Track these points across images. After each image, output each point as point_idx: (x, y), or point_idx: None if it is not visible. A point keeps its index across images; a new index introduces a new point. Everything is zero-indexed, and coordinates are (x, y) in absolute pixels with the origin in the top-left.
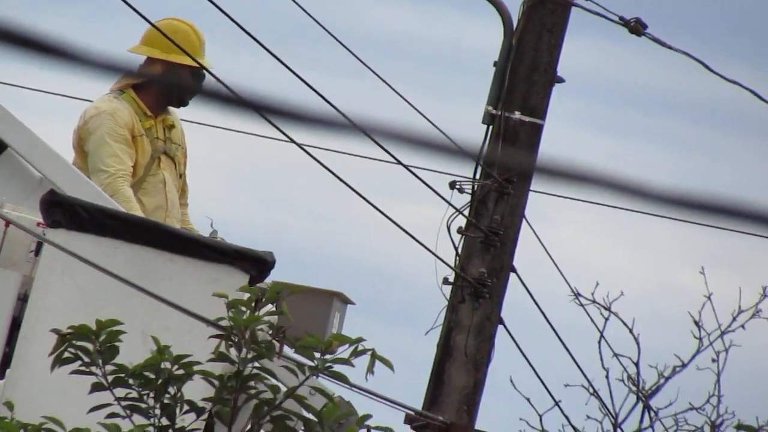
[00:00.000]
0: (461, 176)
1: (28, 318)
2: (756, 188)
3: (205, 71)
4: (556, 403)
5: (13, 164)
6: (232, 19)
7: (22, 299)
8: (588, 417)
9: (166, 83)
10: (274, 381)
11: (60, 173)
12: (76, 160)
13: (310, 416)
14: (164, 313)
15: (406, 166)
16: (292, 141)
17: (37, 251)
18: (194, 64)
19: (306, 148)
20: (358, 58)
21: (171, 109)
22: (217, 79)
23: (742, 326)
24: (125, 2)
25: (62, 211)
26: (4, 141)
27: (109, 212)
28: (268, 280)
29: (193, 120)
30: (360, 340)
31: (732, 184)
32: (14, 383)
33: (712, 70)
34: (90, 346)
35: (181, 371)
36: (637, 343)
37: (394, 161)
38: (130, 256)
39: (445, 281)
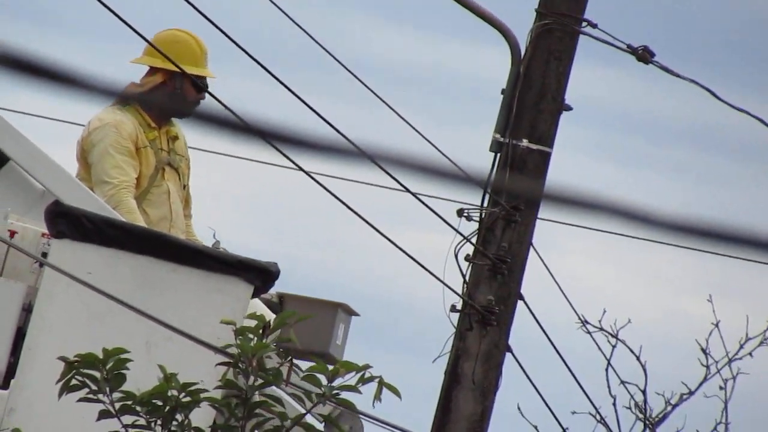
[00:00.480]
0: (469, 204)
1: (33, 328)
2: (764, 216)
3: (206, 81)
4: (564, 430)
5: (15, 176)
6: (240, 46)
7: (27, 310)
8: None
9: (147, 103)
10: (281, 408)
11: (62, 185)
12: (79, 172)
13: None
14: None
15: (413, 194)
16: (300, 168)
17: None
18: (196, 73)
19: (313, 175)
20: (365, 85)
21: (174, 120)
22: (224, 105)
23: (750, 354)
24: (122, 20)
25: (67, 221)
26: (6, 153)
27: (113, 223)
28: (273, 290)
29: (201, 147)
30: (367, 367)
31: (740, 212)
32: (18, 393)
33: (719, 98)
34: (97, 374)
35: (188, 398)
36: (644, 371)
37: (402, 188)
38: (134, 266)
39: (453, 309)
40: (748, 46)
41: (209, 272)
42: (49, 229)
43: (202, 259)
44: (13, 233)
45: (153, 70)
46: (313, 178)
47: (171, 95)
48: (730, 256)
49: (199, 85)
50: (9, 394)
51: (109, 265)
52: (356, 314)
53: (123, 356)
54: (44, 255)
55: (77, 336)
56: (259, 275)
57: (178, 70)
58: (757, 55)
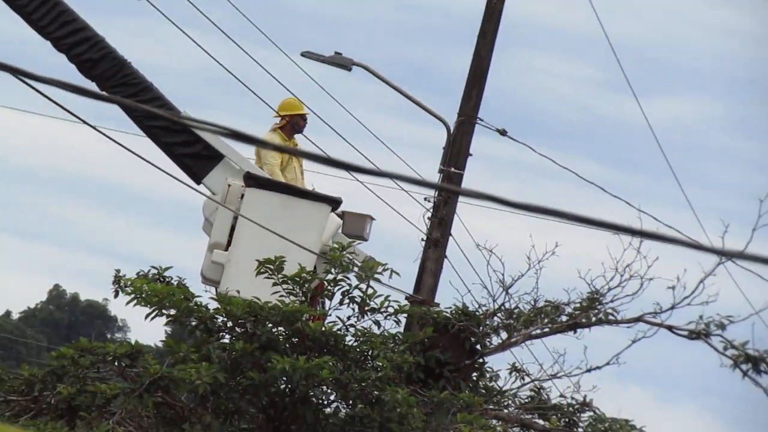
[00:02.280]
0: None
1: (239, 226)
2: None
3: (306, 116)
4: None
5: (228, 164)
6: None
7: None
8: None
9: (283, 129)
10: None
11: (248, 165)
12: (256, 160)
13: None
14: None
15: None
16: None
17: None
18: (299, 113)
19: None
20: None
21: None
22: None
23: None
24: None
25: (250, 179)
26: (222, 152)
27: (268, 180)
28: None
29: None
30: (385, 264)
31: None
32: (228, 257)
33: None
34: (271, 266)
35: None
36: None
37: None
38: (277, 198)
39: (423, 240)
40: None
41: (310, 201)
42: (245, 182)
43: (307, 195)
44: (229, 186)
45: (282, 118)
46: None
47: (291, 123)
48: None
49: (302, 118)
50: (227, 255)
51: (266, 198)
52: (375, 219)
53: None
54: (242, 195)
55: (254, 231)
56: (332, 202)
57: (295, 113)
58: None
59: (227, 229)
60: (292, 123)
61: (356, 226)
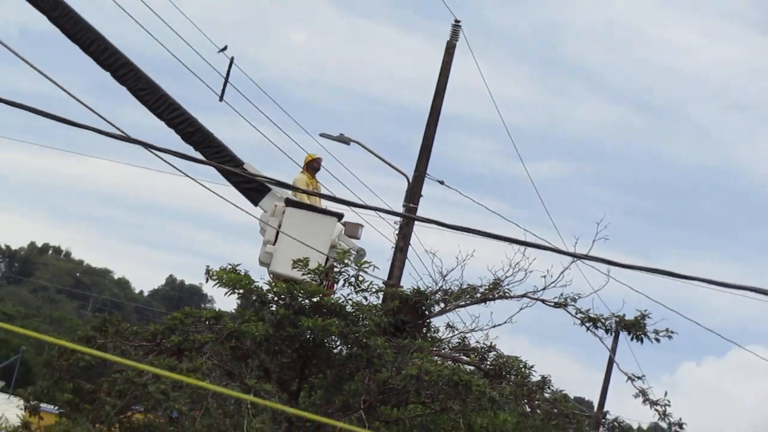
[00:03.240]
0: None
1: (281, 230)
2: None
3: (320, 161)
4: None
5: (274, 194)
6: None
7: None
8: None
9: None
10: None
11: (286, 194)
12: (292, 192)
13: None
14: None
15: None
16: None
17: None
18: (315, 157)
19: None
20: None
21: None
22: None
23: None
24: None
25: (288, 202)
26: (269, 186)
27: (299, 203)
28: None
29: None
30: (370, 262)
31: None
32: (275, 248)
33: None
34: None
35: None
36: None
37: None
38: (304, 214)
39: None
40: None
41: (324, 215)
42: (285, 204)
43: (321, 211)
44: (276, 206)
45: (306, 163)
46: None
47: (311, 166)
48: None
49: (317, 162)
50: (274, 248)
51: (297, 213)
52: (363, 226)
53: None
54: (283, 212)
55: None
56: (337, 215)
57: (312, 159)
58: None
59: (274, 232)
60: (312, 166)
61: (352, 230)
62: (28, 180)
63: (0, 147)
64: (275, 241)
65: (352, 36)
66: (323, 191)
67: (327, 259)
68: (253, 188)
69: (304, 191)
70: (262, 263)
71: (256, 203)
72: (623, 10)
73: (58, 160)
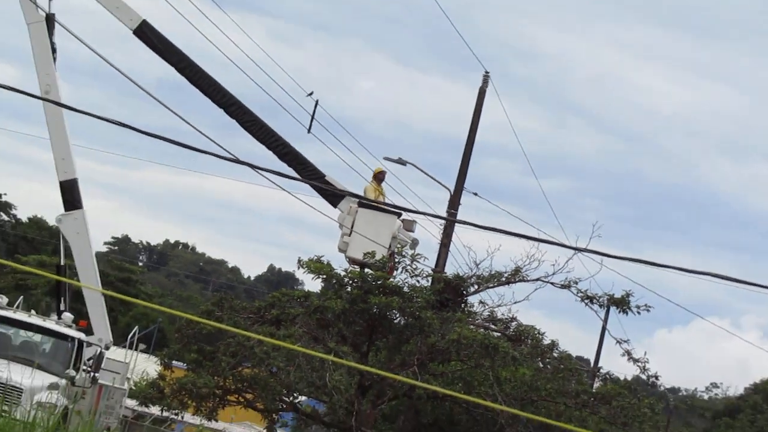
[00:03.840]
0: None
1: (355, 224)
2: None
3: (384, 173)
4: None
5: (349, 198)
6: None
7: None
8: None
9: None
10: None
11: (359, 197)
12: (365, 194)
13: None
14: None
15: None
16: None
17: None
18: (381, 170)
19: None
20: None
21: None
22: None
23: None
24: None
25: (360, 203)
26: (346, 193)
27: (367, 202)
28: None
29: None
30: (421, 254)
31: None
32: (350, 239)
33: None
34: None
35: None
36: None
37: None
38: (372, 213)
39: None
40: None
41: (387, 213)
42: (358, 205)
43: (385, 210)
44: (351, 206)
45: (374, 175)
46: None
47: (377, 177)
48: None
49: (382, 174)
50: (350, 239)
51: (367, 212)
52: (416, 222)
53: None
54: (356, 211)
55: (362, 227)
56: (397, 214)
57: (378, 172)
58: None
59: (350, 226)
60: (378, 177)
61: (408, 225)
62: (164, 192)
63: (144, 168)
64: (350, 233)
65: (408, 83)
66: (387, 196)
67: (390, 246)
68: (333, 194)
69: (368, 200)
70: (340, 250)
71: (335, 205)
72: (613, 64)
73: (187, 177)
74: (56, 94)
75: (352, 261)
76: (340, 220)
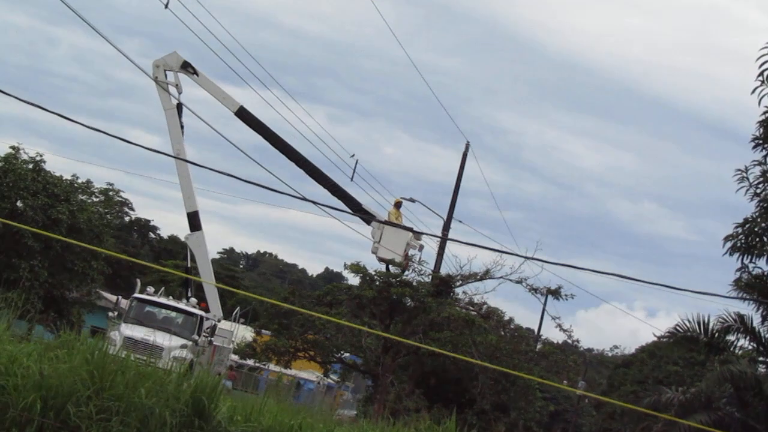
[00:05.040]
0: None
1: (383, 236)
2: None
3: (401, 203)
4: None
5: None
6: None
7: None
8: None
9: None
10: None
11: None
12: (389, 217)
13: None
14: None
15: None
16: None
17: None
18: (398, 200)
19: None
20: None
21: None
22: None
23: None
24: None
25: (386, 222)
26: (377, 219)
27: (390, 222)
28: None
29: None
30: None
31: None
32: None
33: None
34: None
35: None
36: None
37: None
38: (394, 229)
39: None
40: None
41: (402, 229)
42: (384, 223)
43: (401, 227)
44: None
45: (395, 202)
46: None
47: (396, 205)
48: None
49: (400, 203)
50: (380, 245)
51: (390, 229)
52: (422, 234)
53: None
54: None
55: (387, 239)
56: (410, 229)
57: (397, 201)
58: None
59: (379, 236)
60: (397, 204)
61: (417, 237)
62: (258, 220)
63: (245, 204)
64: (380, 240)
65: (416, 148)
66: (403, 217)
67: (405, 249)
68: (366, 216)
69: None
70: (372, 252)
71: (368, 223)
72: (553, 137)
73: (273, 210)
74: (184, 154)
75: (380, 260)
76: (372, 233)
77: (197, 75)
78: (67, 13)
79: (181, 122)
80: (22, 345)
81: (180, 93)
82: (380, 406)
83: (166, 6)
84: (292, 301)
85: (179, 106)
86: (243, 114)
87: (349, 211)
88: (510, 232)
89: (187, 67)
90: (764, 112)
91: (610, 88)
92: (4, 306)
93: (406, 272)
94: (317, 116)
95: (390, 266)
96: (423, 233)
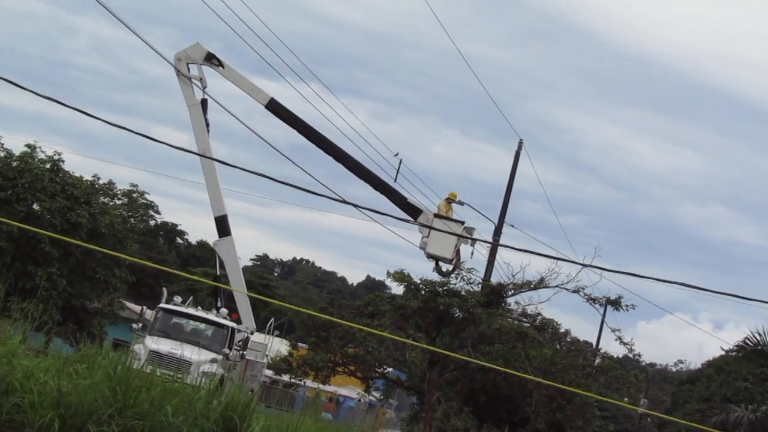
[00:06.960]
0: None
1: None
2: None
3: (453, 199)
4: None
5: (425, 213)
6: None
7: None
8: None
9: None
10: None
11: (432, 212)
12: (438, 210)
13: None
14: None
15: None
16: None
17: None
18: (450, 198)
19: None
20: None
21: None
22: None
23: None
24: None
25: (435, 214)
26: (420, 209)
27: (441, 215)
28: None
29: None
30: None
31: None
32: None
33: None
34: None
35: None
36: None
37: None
38: (443, 222)
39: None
40: None
41: (452, 221)
42: (433, 216)
43: (451, 219)
44: (428, 218)
45: (448, 196)
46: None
47: (448, 200)
48: None
49: (452, 199)
50: (428, 240)
51: (439, 222)
52: (473, 228)
53: None
54: (432, 220)
55: (435, 233)
56: (461, 222)
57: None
58: None
59: (427, 231)
60: (449, 199)
61: (469, 231)
62: (293, 223)
63: (278, 206)
64: (428, 235)
65: (466, 147)
66: (454, 212)
67: (456, 245)
68: (413, 211)
69: (443, 217)
70: (420, 248)
71: (415, 218)
72: (612, 135)
73: (308, 213)
74: (210, 153)
75: (429, 256)
76: (419, 227)
77: (222, 67)
78: (87, 0)
79: (206, 119)
80: (39, 359)
81: (205, 87)
82: (426, 425)
83: None
84: (331, 312)
85: (204, 102)
86: (274, 106)
87: (393, 212)
88: (567, 238)
89: (211, 59)
90: None
91: (676, 82)
92: (20, 317)
93: (456, 272)
94: (358, 112)
95: (440, 263)
96: (474, 239)
